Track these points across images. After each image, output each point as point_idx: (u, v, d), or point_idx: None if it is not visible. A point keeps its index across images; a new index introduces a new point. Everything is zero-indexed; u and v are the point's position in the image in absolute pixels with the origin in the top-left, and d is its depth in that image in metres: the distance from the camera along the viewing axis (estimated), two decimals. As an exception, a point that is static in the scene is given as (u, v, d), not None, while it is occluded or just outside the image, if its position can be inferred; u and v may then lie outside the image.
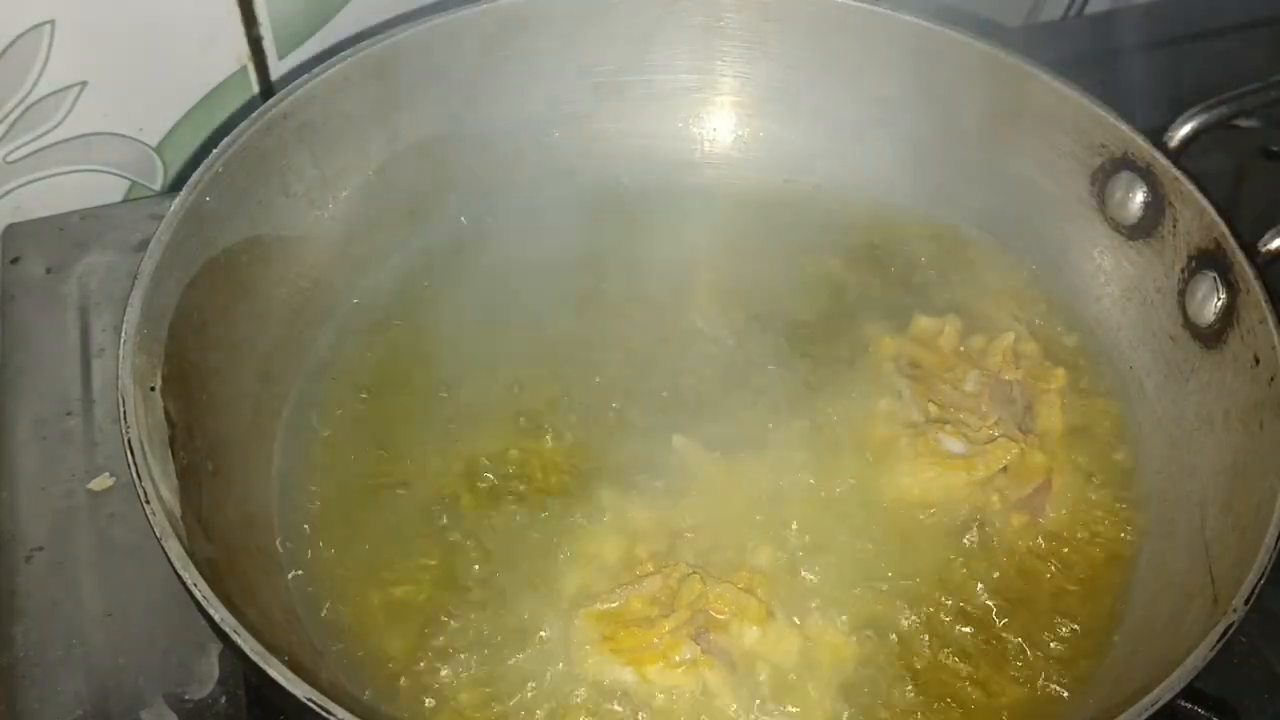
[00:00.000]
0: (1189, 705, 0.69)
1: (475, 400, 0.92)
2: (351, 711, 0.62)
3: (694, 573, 0.79)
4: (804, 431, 0.90)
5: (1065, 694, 0.80)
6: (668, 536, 0.84)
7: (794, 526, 0.85)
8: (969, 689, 0.80)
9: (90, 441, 0.95)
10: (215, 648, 0.84)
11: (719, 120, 1.11)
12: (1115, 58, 1.31)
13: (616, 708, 0.77)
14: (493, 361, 0.94)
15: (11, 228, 1.10)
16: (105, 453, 0.94)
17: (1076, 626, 0.83)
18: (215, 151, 0.87)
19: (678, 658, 0.76)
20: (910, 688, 0.79)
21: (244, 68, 1.14)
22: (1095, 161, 0.97)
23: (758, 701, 0.77)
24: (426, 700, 0.78)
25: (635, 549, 0.82)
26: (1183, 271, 0.91)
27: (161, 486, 0.72)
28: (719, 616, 0.78)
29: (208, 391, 0.83)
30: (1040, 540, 0.87)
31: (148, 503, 0.70)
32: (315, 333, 0.95)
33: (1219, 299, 0.87)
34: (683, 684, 0.77)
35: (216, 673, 0.83)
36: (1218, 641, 0.68)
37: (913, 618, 0.82)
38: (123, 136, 1.14)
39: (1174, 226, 0.91)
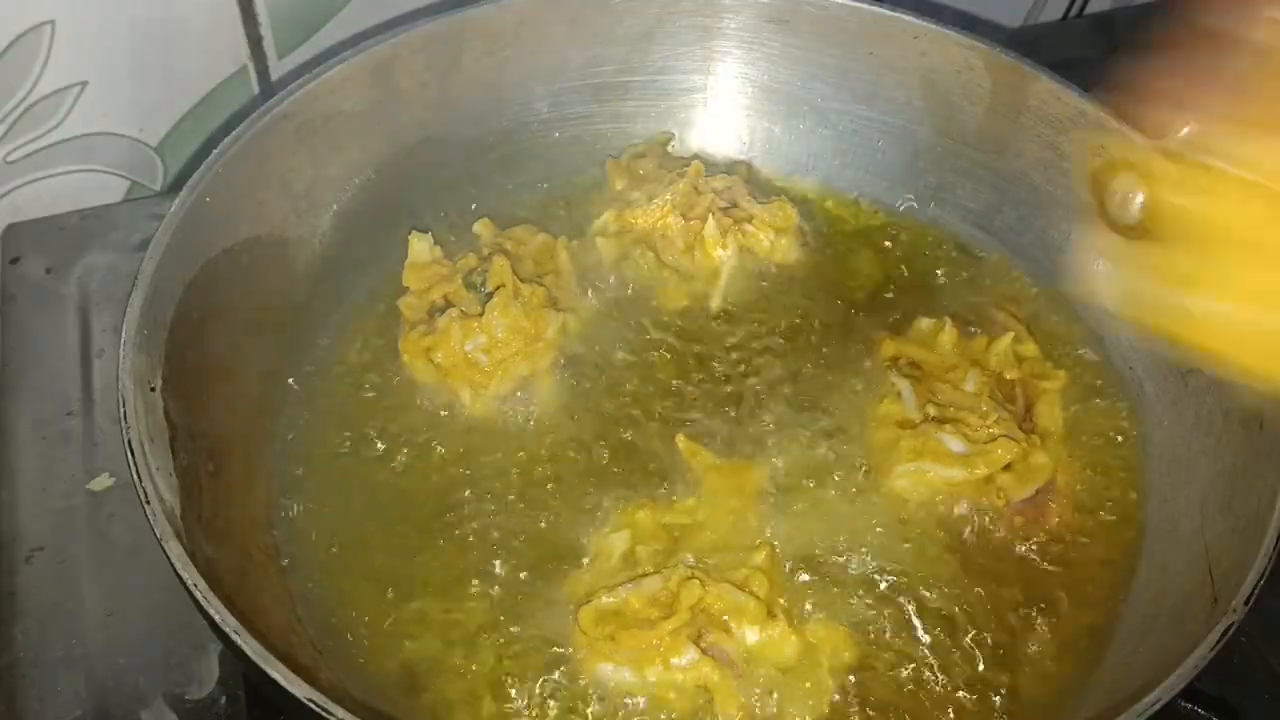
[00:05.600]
0: (1189, 705, 0.69)
1: (475, 400, 0.92)
2: (351, 711, 0.63)
3: (694, 576, 0.79)
4: (804, 432, 0.91)
5: (1066, 694, 0.80)
6: (668, 536, 0.84)
7: (794, 526, 0.85)
8: (970, 689, 0.80)
9: (90, 441, 0.95)
10: (215, 648, 0.84)
11: (719, 121, 1.11)
12: (1115, 58, 1.31)
13: (617, 707, 0.77)
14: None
15: (11, 228, 1.10)
16: (105, 453, 0.94)
17: (1077, 627, 0.83)
18: (215, 151, 0.87)
19: (678, 660, 0.76)
20: (911, 688, 0.79)
21: (244, 68, 1.14)
22: (1095, 162, 0.97)
23: (758, 702, 0.77)
24: (426, 699, 0.78)
25: (635, 549, 0.82)
26: (1183, 272, 0.91)
27: (161, 486, 0.72)
28: (719, 617, 0.78)
29: (208, 391, 0.83)
30: (1040, 540, 0.87)
31: (148, 503, 0.70)
32: (315, 333, 0.95)
33: (1219, 299, 0.87)
34: (683, 684, 0.77)
35: (216, 673, 0.83)
36: (1218, 641, 0.68)
37: (913, 618, 0.82)
38: (123, 136, 1.14)
39: (1174, 227, 0.91)
